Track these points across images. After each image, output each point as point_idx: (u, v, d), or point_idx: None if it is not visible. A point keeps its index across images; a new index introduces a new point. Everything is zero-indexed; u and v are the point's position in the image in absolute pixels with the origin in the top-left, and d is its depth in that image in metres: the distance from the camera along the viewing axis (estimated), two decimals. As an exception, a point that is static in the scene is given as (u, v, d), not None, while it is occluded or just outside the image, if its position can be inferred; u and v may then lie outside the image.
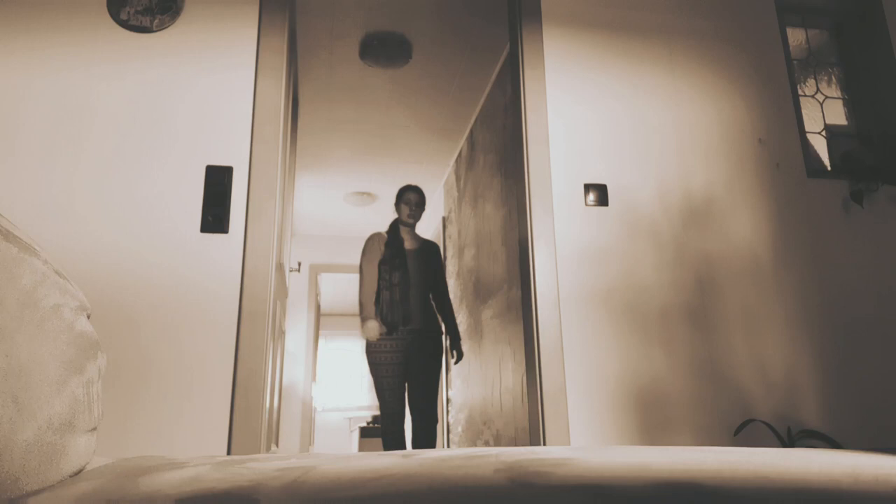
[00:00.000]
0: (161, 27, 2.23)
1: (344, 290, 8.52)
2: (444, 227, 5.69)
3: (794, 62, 2.86)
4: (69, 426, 0.74)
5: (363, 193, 5.91)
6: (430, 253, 3.55)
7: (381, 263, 3.39)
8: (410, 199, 3.53)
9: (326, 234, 6.95)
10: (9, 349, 0.67)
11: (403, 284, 3.32)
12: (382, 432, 3.25)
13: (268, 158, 2.18)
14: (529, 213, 2.33)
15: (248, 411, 1.96)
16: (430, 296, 3.53)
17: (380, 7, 3.45)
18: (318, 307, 7.41)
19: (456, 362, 3.47)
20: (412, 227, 3.56)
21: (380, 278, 3.38)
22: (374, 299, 3.36)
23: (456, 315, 5.04)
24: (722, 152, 2.55)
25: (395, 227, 3.55)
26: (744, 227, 2.46)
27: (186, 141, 2.15)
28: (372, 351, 3.32)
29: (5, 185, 2.01)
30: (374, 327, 3.26)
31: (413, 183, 5.06)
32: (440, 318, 3.63)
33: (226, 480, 0.68)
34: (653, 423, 2.18)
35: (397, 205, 3.55)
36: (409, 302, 3.32)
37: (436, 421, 3.25)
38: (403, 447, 3.17)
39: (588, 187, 2.38)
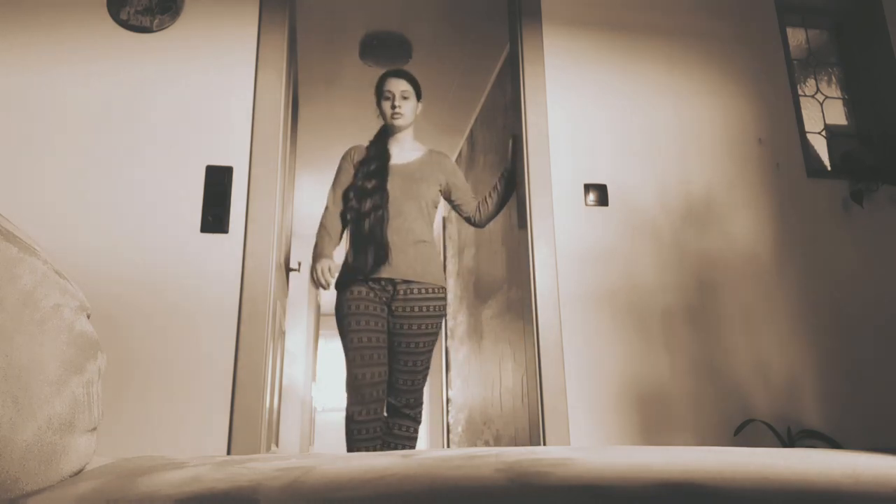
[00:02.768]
0: (161, 27, 2.23)
1: (344, 290, 8.53)
2: (444, 227, 5.69)
3: (794, 62, 2.86)
4: (69, 426, 0.74)
5: (363, 193, 5.90)
6: (436, 167, 2.46)
7: (349, 190, 2.39)
8: (392, 90, 2.39)
9: (326, 234, 6.93)
10: (9, 349, 0.67)
11: (378, 211, 2.28)
12: (347, 419, 2.17)
13: (268, 158, 2.18)
14: (529, 213, 2.33)
15: (248, 411, 1.96)
16: (466, 216, 2.55)
17: (380, 7, 3.45)
18: (318, 307, 7.41)
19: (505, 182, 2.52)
20: (406, 130, 2.47)
21: (347, 209, 2.37)
22: (336, 238, 2.40)
23: (456, 315, 5.03)
24: (722, 152, 2.55)
25: (380, 135, 2.50)
26: (744, 227, 2.46)
27: (186, 141, 2.15)
28: (340, 303, 2.29)
29: (5, 185, 2.01)
30: (324, 268, 2.27)
31: None
32: (484, 212, 2.55)
33: (226, 480, 0.68)
34: (653, 423, 2.18)
35: (378, 102, 2.45)
36: (388, 237, 2.26)
37: (417, 419, 2.30)
38: (375, 442, 2.19)
39: (588, 187, 2.38)
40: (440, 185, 2.46)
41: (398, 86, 2.40)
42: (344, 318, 2.26)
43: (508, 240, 3.58)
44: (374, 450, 2.18)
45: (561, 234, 2.31)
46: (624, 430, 2.16)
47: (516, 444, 3.29)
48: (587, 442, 2.13)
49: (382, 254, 2.24)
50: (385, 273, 2.26)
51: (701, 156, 2.52)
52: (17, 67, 2.11)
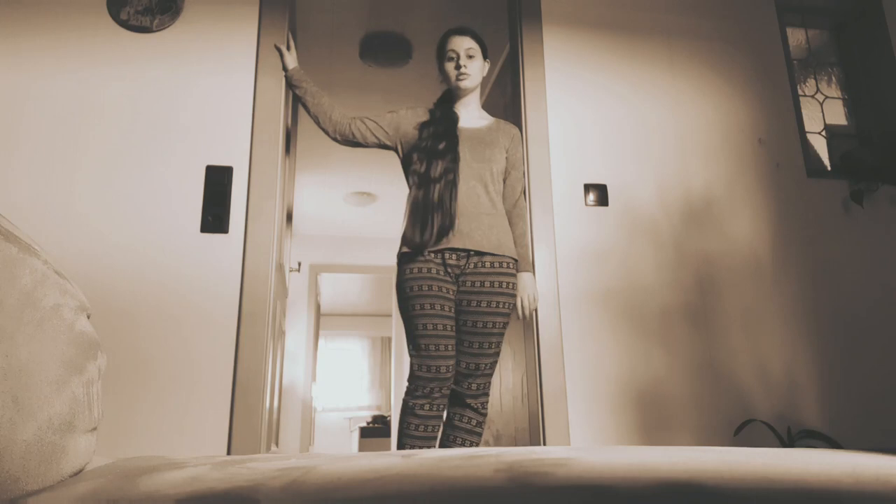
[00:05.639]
0: (161, 27, 2.23)
1: (344, 290, 8.52)
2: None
3: (794, 62, 2.86)
4: (69, 426, 0.74)
5: (363, 193, 5.90)
6: (503, 134, 2.18)
7: (412, 152, 2.13)
8: (456, 49, 2.15)
9: (326, 234, 6.95)
10: (9, 349, 0.67)
11: (448, 175, 2.02)
12: (405, 410, 1.92)
13: (268, 158, 2.18)
14: (529, 214, 2.32)
15: (248, 411, 1.96)
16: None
17: (380, 7, 3.44)
18: (318, 307, 7.41)
19: (522, 314, 2.07)
20: (473, 94, 2.21)
21: (408, 174, 2.14)
22: (323, 97, 2.20)
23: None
24: (722, 152, 2.55)
25: (443, 100, 2.24)
26: (744, 227, 2.46)
27: (187, 141, 2.15)
28: (402, 283, 2.01)
29: (6, 185, 2.01)
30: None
31: None
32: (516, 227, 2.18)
33: (226, 480, 0.68)
34: (653, 423, 2.18)
35: (440, 65, 2.21)
36: (457, 205, 2.00)
37: (481, 410, 1.99)
38: (431, 443, 1.94)
39: (588, 187, 2.38)
40: (506, 150, 2.18)
41: (462, 43, 2.16)
42: (408, 301, 1.98)
43: (508, 240, 3.57)
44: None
45: (560, 233, 2.31)
46: (624, 430, 2.16)
47: (516, 444, 3.29)
48: (587, 442, 2.13)
49: (448, 222, 1.98)
50: (456, 243, 1.98)
51: (701, 156, 2.52)
52: (15, 68, 2.11)
